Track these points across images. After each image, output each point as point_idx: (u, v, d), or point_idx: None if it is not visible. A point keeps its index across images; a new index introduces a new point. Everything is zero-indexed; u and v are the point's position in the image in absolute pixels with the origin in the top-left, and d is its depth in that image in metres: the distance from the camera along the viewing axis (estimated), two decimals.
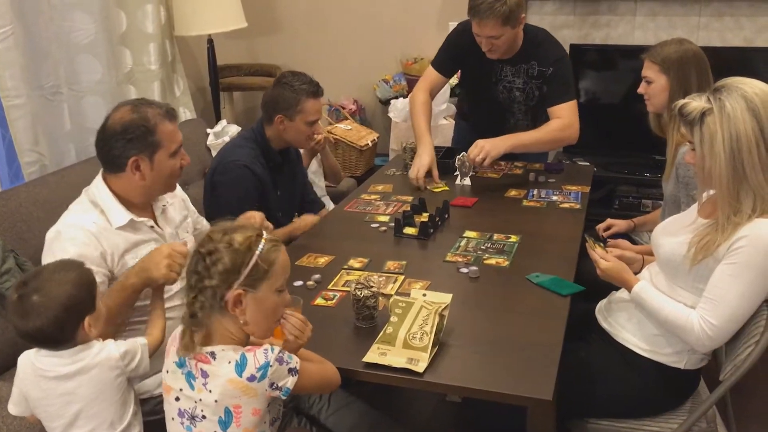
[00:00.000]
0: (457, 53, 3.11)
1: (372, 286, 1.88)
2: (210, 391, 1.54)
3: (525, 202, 2.78)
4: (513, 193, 2.88)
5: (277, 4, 4.53)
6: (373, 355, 1.72)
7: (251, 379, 1.51)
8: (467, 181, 2.98)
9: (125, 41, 3.70)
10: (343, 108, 4.34)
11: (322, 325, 1.90)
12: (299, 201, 3.02)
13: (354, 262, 2.26)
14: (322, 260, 2.29)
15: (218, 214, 2.63)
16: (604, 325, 2.11)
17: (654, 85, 2.53)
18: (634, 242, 2.68)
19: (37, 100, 3.14)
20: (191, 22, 3.93)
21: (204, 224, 2.47)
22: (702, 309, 1.83)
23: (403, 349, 1.71)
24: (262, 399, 1.55)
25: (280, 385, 1.54)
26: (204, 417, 1.56)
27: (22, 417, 1.81)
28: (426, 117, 3.11)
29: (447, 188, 2.93)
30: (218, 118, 4.22)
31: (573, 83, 3.08)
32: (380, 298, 1.91)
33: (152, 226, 2.14)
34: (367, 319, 1.87)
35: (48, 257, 2.00)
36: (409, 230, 2.48)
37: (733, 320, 1.81)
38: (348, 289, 2.03)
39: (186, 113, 4.11)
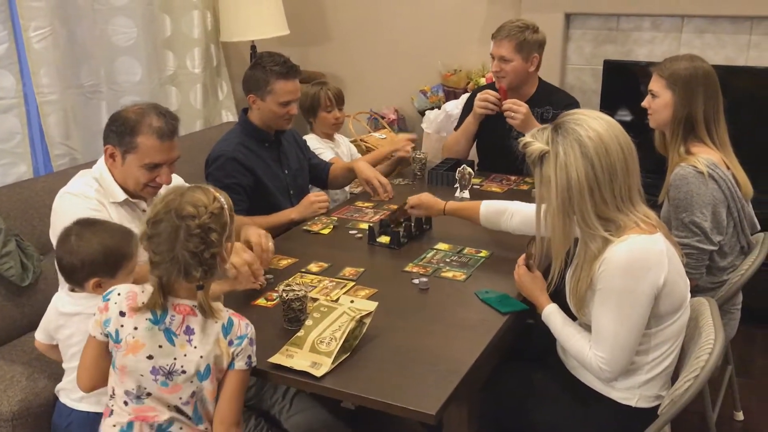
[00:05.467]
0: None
1: (300, 289, 1.90)
2: (195, 347, 1.63)
3: None
4: None
5: (321, 13, 4.59)
6: (280, 357, 1.75)
7: (230, 344, 1.66)
8: (466, 194, 2.93)
9: (169, 45, 3.89)
10: (382, 117, 4.37)
11: (254, 325, 1.94)
12: (309, 179, 3.07)
13: (314, 266, 2.28)
14: (284, 262, 2.32)
15: None
16: (561, 354, 2.05)
17: (658, 100, 2.44)
18: None
19: (74, 97, 3.36)
20: (235, 29, 4.07)
21: None
22: (591, 343, 1.82)
23: (309, 352, 1.73)
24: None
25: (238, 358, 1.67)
26: (184, 372, 1.63)
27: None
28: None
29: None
30: None
31: None
32: (309, 302, 1.93)
33: (144, 210, 2.27)
34: (293, 321, 1.89)
35: (55, 219, 2.17)
36: (383, 239, 2.48)
37: (618, 347, 1.77)
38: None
39: (228, 116, 4.27)
